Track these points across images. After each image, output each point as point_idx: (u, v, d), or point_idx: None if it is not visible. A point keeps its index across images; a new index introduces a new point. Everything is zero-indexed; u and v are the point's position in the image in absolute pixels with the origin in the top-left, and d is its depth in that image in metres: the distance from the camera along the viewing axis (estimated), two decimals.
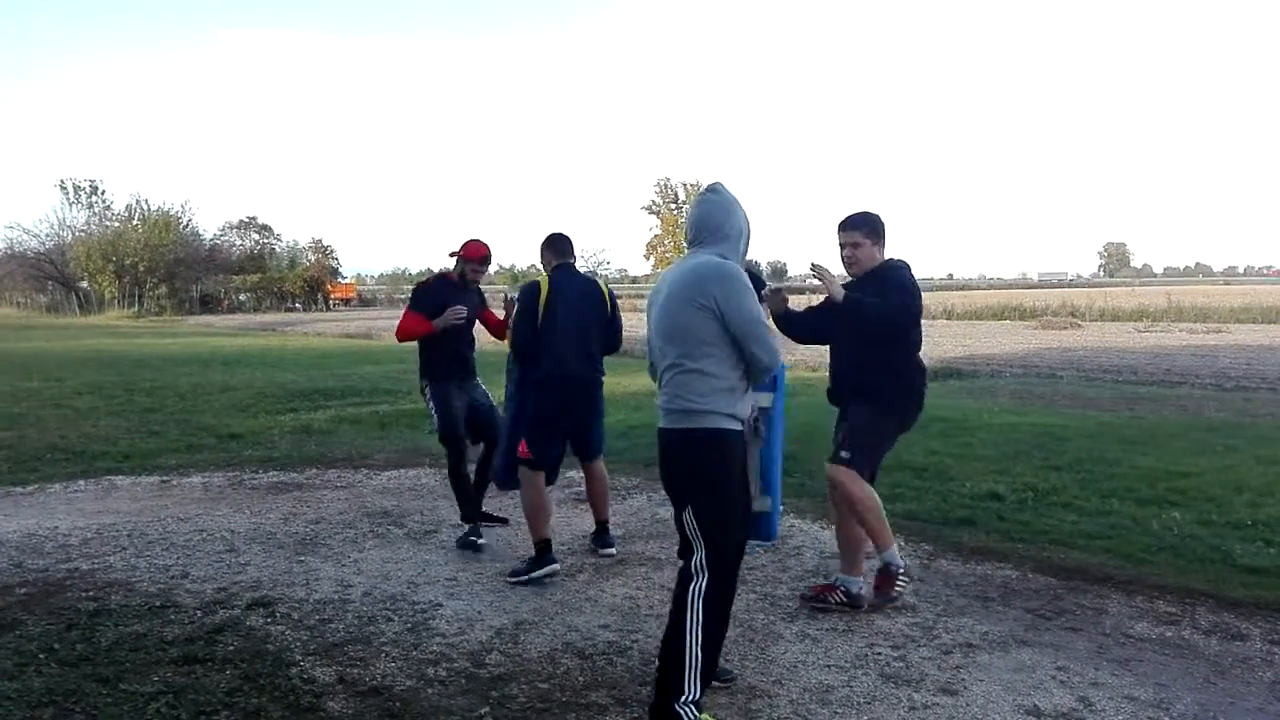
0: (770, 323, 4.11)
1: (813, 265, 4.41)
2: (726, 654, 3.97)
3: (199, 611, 4.50)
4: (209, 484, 7.41)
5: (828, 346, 4.78)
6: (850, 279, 4.58)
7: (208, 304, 56.31)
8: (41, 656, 3.92)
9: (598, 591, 4.82)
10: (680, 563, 3.40)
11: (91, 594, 4.73)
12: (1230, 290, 61.72)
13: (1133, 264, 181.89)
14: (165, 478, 7.65)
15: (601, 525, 5.55)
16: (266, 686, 3.66)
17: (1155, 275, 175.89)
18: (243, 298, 58.21)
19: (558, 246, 5.35)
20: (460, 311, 5.67)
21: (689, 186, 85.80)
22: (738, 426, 3.34)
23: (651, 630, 4.24)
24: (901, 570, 4.52)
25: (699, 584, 3.27)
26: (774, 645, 4.10)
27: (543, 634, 4.24)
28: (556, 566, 5.07)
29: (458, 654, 4.01)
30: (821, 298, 4.63)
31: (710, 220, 3.44)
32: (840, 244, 4.53)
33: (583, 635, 4.22)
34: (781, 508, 3.68)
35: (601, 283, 5.36)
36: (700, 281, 3.29)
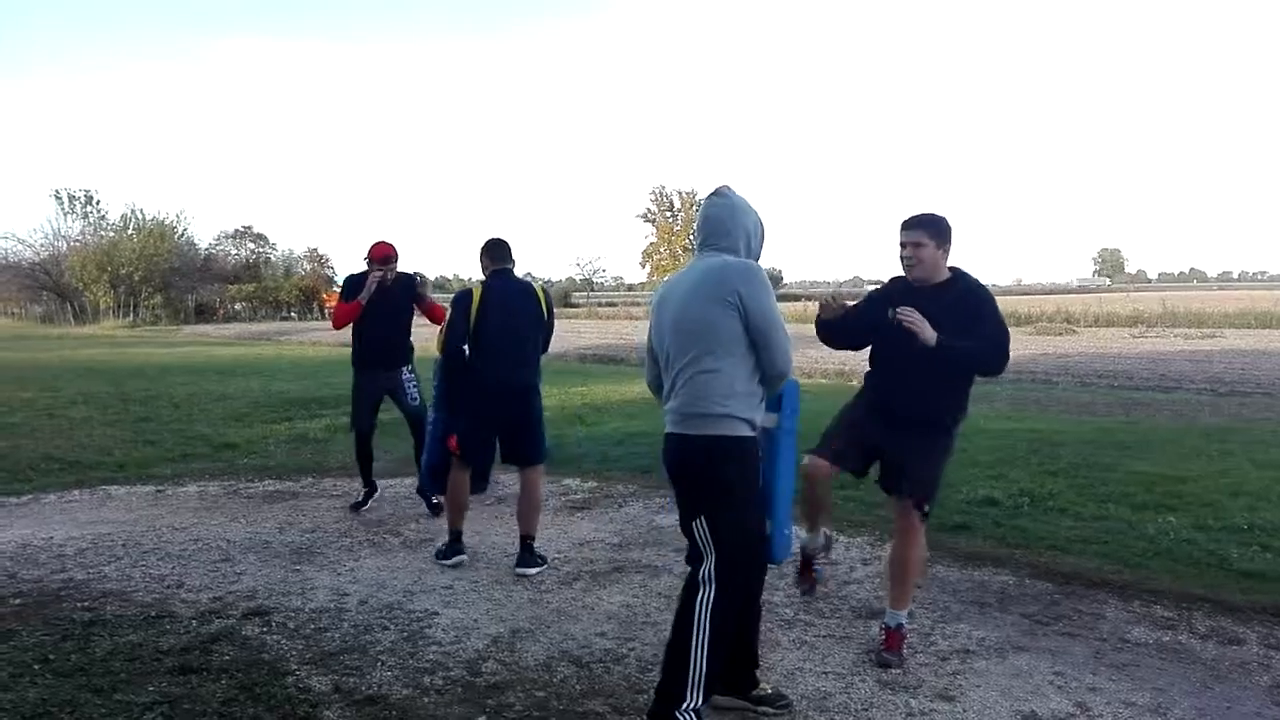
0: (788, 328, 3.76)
1: (892, 313, 3.90)
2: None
3: (194, 621, 4.48)
4: (204, 493, 7.39)
5: (868, 357, 4.32)
6: (913, 284, 4.07)
7: (203, 313, 56.19)
8: (36, 667, 3.90)
9: (594, 599, 4.81)
10: (689, 569, 3.37)
11: (86, 604, 4.71)
12: (1225, 295, 61.86)
13: (1127, 270, 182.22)
14: (160, 487, 7.62)
15: (524, 541, 5.32)
16: (262, 696, 3.64)
17: (1150, 281, 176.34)
18: (238, 307, 58.13)
19: (494, 252, 5.40)
20: (378, 275, 6.29)
21: (684, 195, 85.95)
22: (754, 433, 3.29)
23: (648, 638, 4.24)
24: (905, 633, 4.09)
25: (707, 594, 3.22)
26: (771, 652, 4.09)
27: (539, 642, 4.23)
28: (463, 559, 5.36)
29: (454, 662, 4.00)
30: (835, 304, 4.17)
31: (719, 224, 3.41)
32: (901, 243, 4.06)
33: (579, 643, 4.21)
34: (791, 531, 3.60)
35: (538, 287, 5.40)
36: (725, 278, 3.23)
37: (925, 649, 4.13)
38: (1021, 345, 23.69)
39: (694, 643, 3.19)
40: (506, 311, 5.20)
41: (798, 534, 4.10)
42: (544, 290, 5.41)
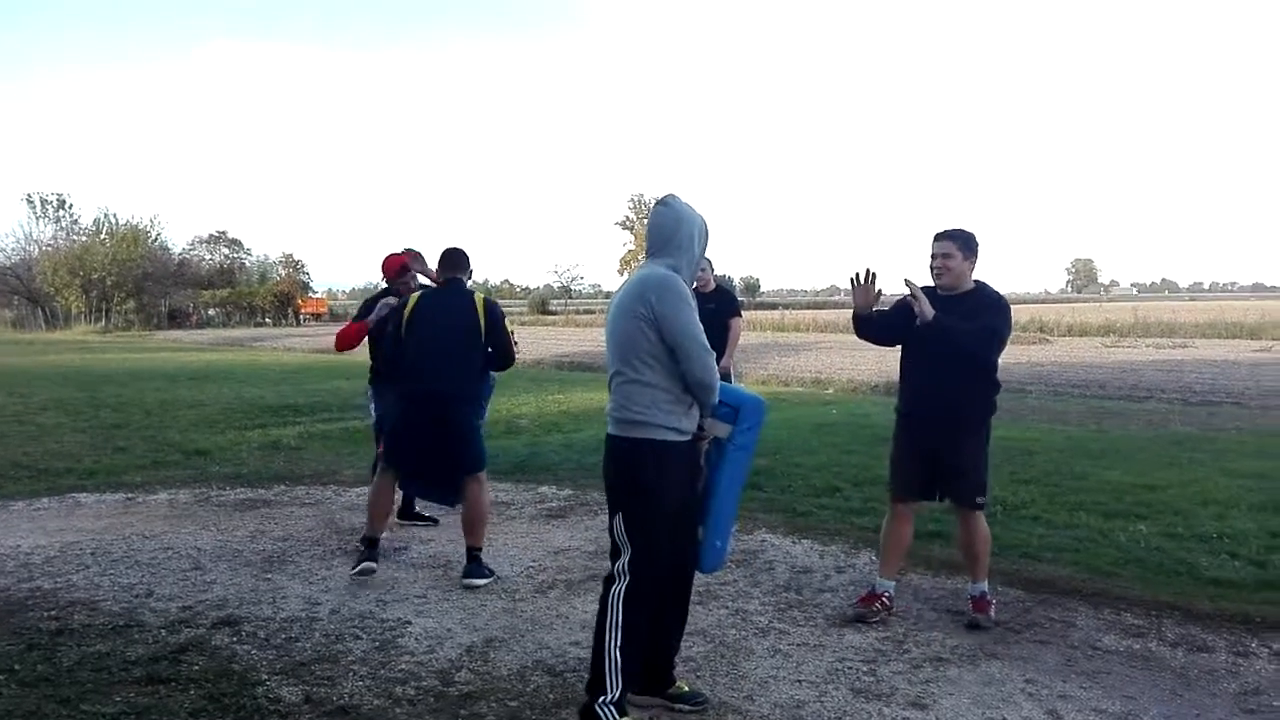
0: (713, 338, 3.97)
1: (907, 282, 4.43)
2: (698, 670, 3.98)
3: (163, 630, 4.43)
4: (175, 501, 7.32)
5: (898, 362, 4.78)
6: (939, 291, 4.52)
7: (176, 319, 55.66)
8: (1, 677, 3.84)
9: (569, 608, 4.79)
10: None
11: (54, 613, 4.65)
12: (1196, 306, 62.64)
13: (1100, 280, 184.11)
14: (130, 495, 7.54)
15: (469, 552, 5.27)
16: (231, 706, 3.60)
17: (1122, 291, 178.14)
18: (212, 312, 57.65)
19: (445, 261, 5.42)
20: (391, 302, 5.95)
21: None
22: (679, 438, 3.38)
23: None
24: (991, 599, 4.62)
25: (620, 586, 3.37)
26: (745, 661, 4.10)
27: (513, 651, 4.21)
28: (371, 566, 5.26)
29: (426, 672, 3.97)
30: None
31: (661, 232, 3.50)
32: (933, 253, 4.51)
33: (554, 652, 4.19)
34: (724, 544, 3.62)
35: (479, 298, 5.27)
36: (641, 292, 3.35)
37: (898, 656, 4.15)
38: None
39: (609, 635, 3.34)
40: (433, 324, 5.17)
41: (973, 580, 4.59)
42: (488, 302, 5.30)
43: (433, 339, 5.15)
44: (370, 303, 6.22)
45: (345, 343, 6.09)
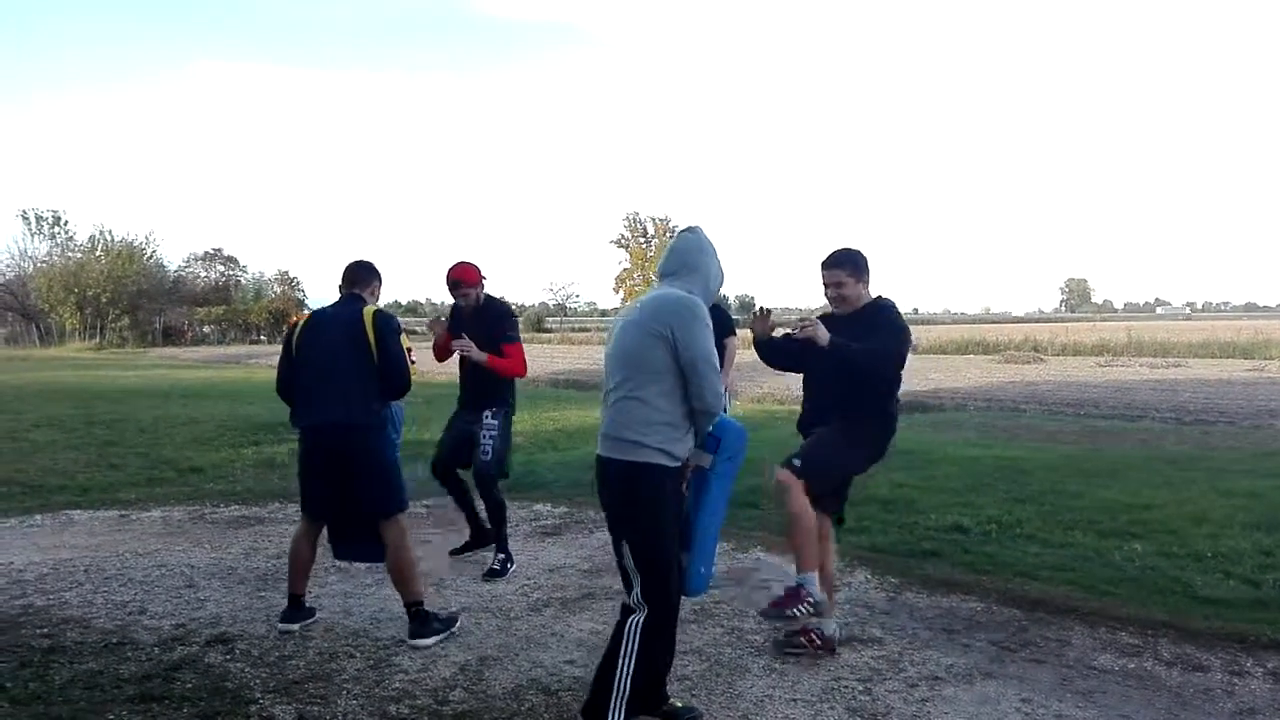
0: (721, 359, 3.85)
1: (798, 323, 4.27)
2: (694, 689, 3.97)
3: (156, 648, 4.41)
4: (169, 518, 7.29)
5: (800, 377, 4.65)
6: (836, 314, 4.46)
7: (171, 336, 55.61)
8: None
9: (564, 627, 4.78)
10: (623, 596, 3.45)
11: (46, 631, 4.63)
12: (1189, 326, 62.85)
13: (1094, 299, 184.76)
14: (124, 512, 7.51)
15: (408, 610, 4.58)
16: None
17: (1116, 310, 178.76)
18: (207, 329, 57.60)
19: (345, 276, 4.86)
20: (440, 323, 6.00)
21: (658, 221, 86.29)
22: (673, 464, 3.34)
23: None
24: (812, 601, 4.21)
25: (639, 617, 3.32)
26: (741, 679, 4.09)
27: (507, 670, 4.19)
28: (289, 628, 4.64)
29: (420, 691, 3.96)
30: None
31: (685, 256, 3.50)
32: (825, 283, 4.42)
33: (548, 671, 4.18)
34: (708, 570, 3.61)
35: (369, 312, 4.63)
36: (660, 310, 3.33)
37: (894, 675, 4.14)
38: (988, 373, 23.95)
39: (621, 663, 3.29)
40: (318, 346, 4.61)
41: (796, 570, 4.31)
42: (379, 316, 4.63)
43: (318, 363, 4.58)
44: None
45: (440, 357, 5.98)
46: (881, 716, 3.72)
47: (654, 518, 3.33)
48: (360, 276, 4.84)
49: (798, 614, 4.21)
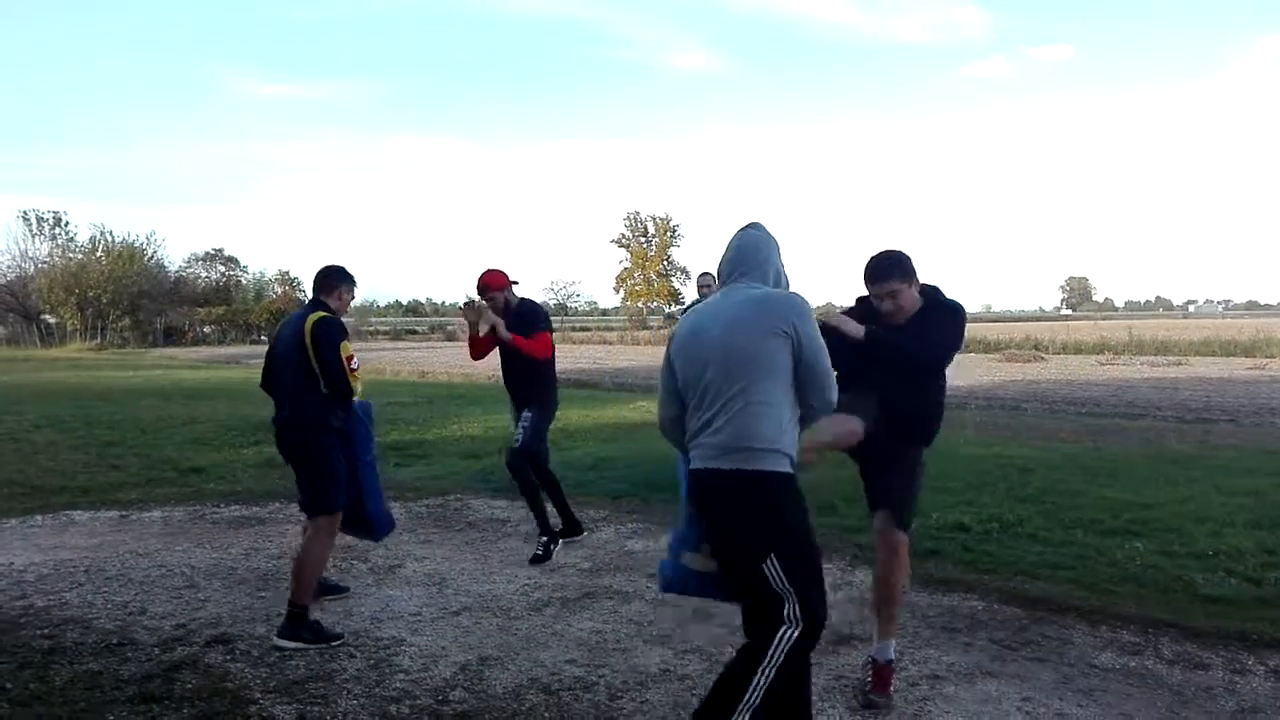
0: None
1: (822, 322, 3.65)
2: (694, 688, 3.96)
3: (157, 649, 4.41)
4: (169, 518, 7.29)
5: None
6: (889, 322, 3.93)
7: (171, 336, 55.65)
8: None
9: (564, 626, 4.77)
10: (744, 618, 3.13)
11: (46, 631, 4.63)
12: (1190, 324, 62.84)
13: (1095, 298, 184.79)
14: (124, 512, 7.51)
15: (288, 607, 4.61)
16: None
17: (1117, 309, 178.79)
18: (207, 330, 57.63)
19: (313, 282, 5.06)
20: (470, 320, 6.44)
21: (658, 220, 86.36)
22: (793, 470, 3.11)
23: (619, 665, 4.21)
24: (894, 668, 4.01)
25: (791, 631, 2.98)
26: None
27: (508, 670, 4.19)
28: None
29: (421, 690, 3.95)
30: None
31: (754, 254, 3.28)
32: (876, 295, 3.88)
33: (549, 670, 4.18)
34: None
35: (309, 323, 4.74)
36: (776, 309, 3.09)
37: (895, 674, 4.13)
38: (990, 372, 23.92)
39: (761, 670, 2.97)
40: (276, 347, 5.00)
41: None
42: (316, 324, 4.74)
43: (275, 363, 4.98)
44: None
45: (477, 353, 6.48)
46: (882, 714, 3.71)
47: (803, 525, 3.11)
48: (324, 283, 4.99)
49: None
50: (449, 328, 67.88)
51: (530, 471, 6.30)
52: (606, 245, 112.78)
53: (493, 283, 6.20)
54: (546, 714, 3.73)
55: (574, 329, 70.09)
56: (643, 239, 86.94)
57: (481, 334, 6.36)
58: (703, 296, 8.55)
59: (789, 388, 3.07)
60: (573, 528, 6.50)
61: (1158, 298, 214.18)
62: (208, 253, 69.56)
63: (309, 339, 4.72)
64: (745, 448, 3.02)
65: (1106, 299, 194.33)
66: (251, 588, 5.42)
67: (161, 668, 4.16)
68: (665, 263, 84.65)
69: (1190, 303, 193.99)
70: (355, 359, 4.82)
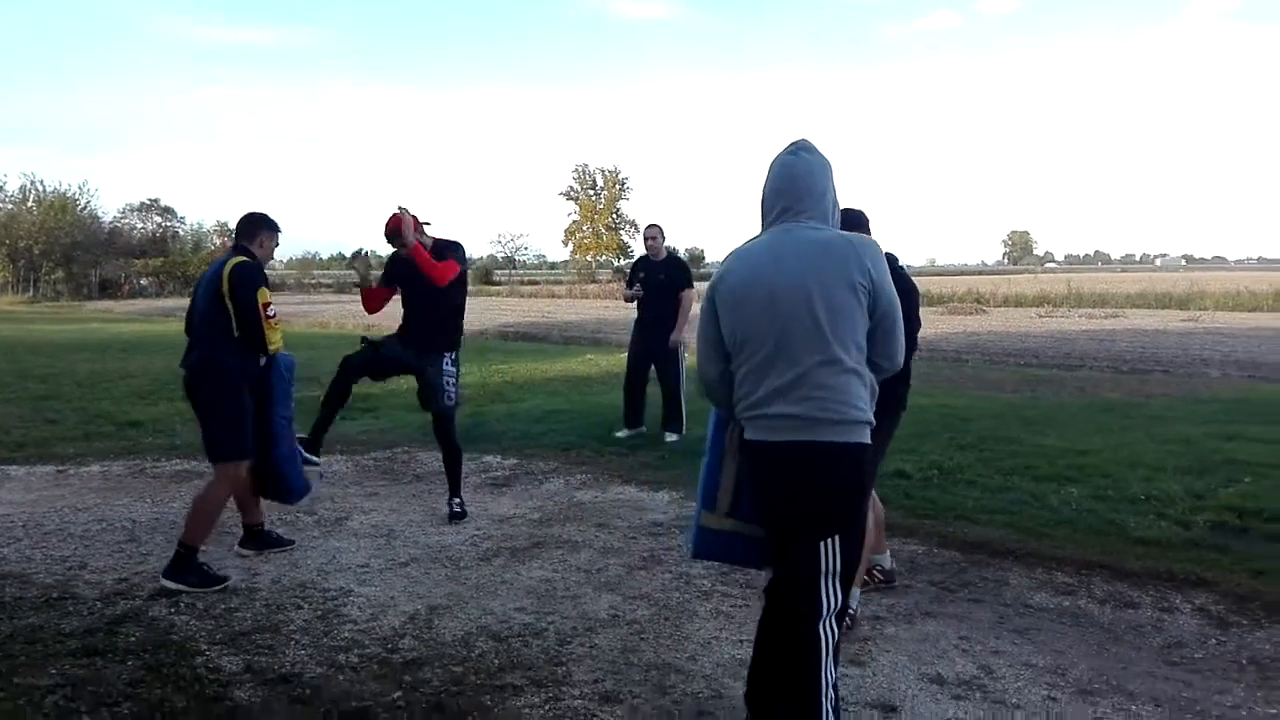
0: None
1: None
2: (642, 633, 4.02)
3: (99, 603, 4.35)
4: (108, 473, 7.16)
5: None
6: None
7: (107, 289, 54.22)
8: None
9: (513, 575, 4.80)
10: (773, 591, 2.89)
11: None
12: (1127, 277, 64.17)
13: (1035, 252, 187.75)
14: (62, 467, 7.35)
15: (178, 545, 4.61)
16: (170, 676, 3.56)
17: (1057, 263, 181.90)
18: (145, 282, 56.22)
19: (235, 228, 4.96)
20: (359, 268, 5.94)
21: (607, 173, 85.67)
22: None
23: (568, 611, 4.25)
24: (882, 570, 4.54)
25: (829, 640, 2.77)
26: (689, 623, 4.15)
27: (457, 618, 4.21)
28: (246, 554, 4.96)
29: (370, 640, 3.95)
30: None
31: (813, 184, 2.82)
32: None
33: (498, 618, 4.20)
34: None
35: (229, 267, 4.65)
36: (855, 256, 2.70)
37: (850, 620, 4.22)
38: (932, 325, 24.26)
39: (824, 676, 2.75)
40: (195, 294, 4.84)
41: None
42: (234, 269, 4.64)
43: (191, 310, 4.86)
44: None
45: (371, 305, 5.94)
46: None
47: (866, 502, 2.89)
48: (245, 228, 4.88)
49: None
50: None
51: (457, 435, 6.01)
52: (555, 198, 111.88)
53: (392, 225, 5.61)
54: (496, 660, 3.75)
55: (522, 282, 69.65)
56: (591, 192, 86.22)
57: (374, 284, 5.85)
58: (650, 251, 8.55)
59: (865, 348, 2.74)
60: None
61: (1096, 252, 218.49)
62: (143, 203, 67.56)
63: (226, 284, 4.62)
64: (831, 419, 2.67)
65: (1047, 253, 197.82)
66: None
67: (104, 621, 4.10)
68: (614, 216, 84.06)
69: (1160, 256, 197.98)
70: (273, 308, 4.70)
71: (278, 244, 5.01)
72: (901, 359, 2.82)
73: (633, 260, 8.91)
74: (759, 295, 2.75)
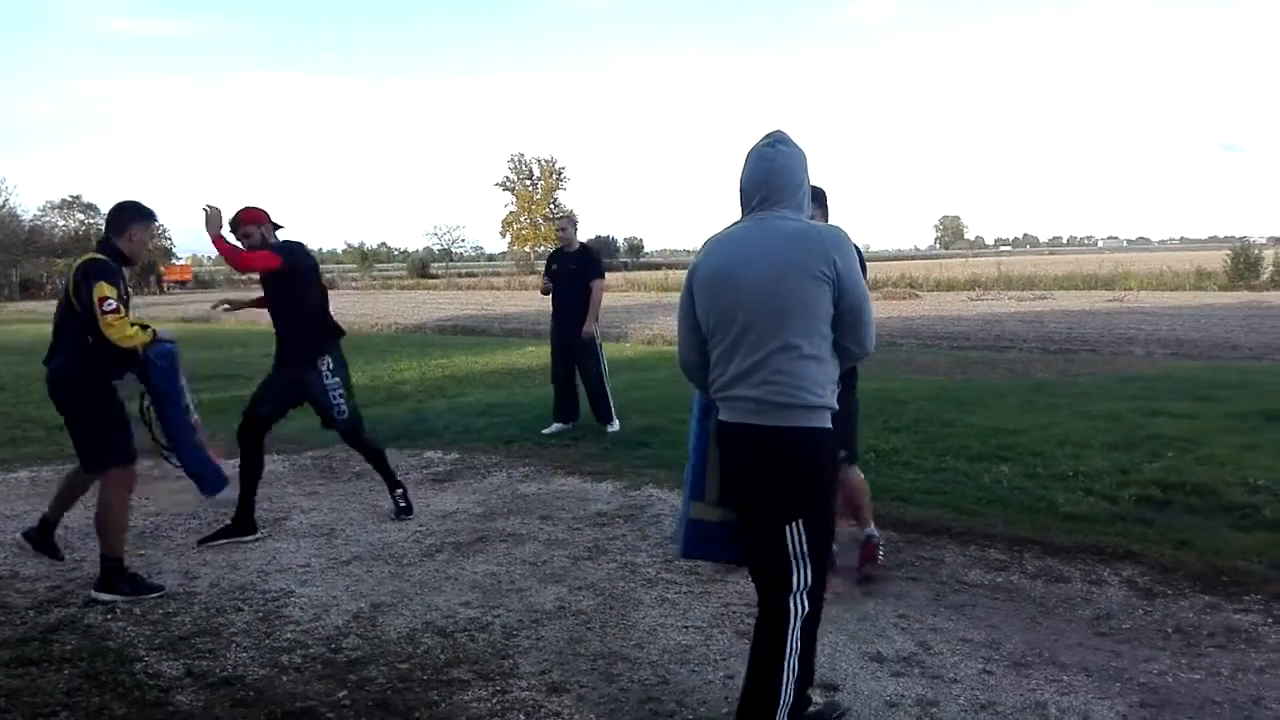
0: None
1: None
2: (588, 622, 4.04)
3: (32, 611, 4.26)
4: (37, 478, 6.98)
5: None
6: None
7: (29, 289, 52.61)
8: None
9: (458, 570, 4.79)
10: (753, 579, 3.01)
11: None
12: (1055, 260, 65.66)
13: (967, 236, 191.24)
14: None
15: (102, 564, 4.50)
16: (109, 684, 3.51)
17: (987, 246, 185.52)
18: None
19: (105, 219, 4.72)
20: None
21: (544, 163, 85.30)
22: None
23: (514, 605, 4.26)
24: (879, 541, 4.70)
25: (799, 610, 2.86)
26: (634, 611, 4.19)
27: (401, 615, 4.19)
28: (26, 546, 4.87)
29: (313, 640, 3.93)
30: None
31: (790, 176, 2.90)
32: None
33: (443, 614, 4.20)
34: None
35: (80, 260, 4.50)
36: (817, 247, 2.78)
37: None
38: None
39: (785, 672, 2.84)
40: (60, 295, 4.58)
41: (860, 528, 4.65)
42: (82, 264, 4.45)
43: (55, 315, 4.60)
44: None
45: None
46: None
47: (833, 488, 2.98)
48: (113, 220, 4.63)
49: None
50: (328, 275, 65.88)
51: (370, 437, 5.86)
52: (491, 189, 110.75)
53: (246, 216, 5.38)
54: (442, 655, 3.76)
55: (460, 274, 69.00)
56: (528, 182, 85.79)
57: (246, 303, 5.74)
58: (562, 242, 8.59)
59: (828, 335, 2.82)
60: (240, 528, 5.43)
61: (1025, 235, 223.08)
62: (64, 200, 65.59)
63: (71, 282, 4.40)
64: (789, 404, 2.77)
65: (978, 237, 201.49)
66: (129, 546, 5.19)
67: (38, 630, 4.02)
68: (552, 206, 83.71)
69: (1111, 238, 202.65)
70: (111, 301, 4.32)
71: (153, 235, 4.75)
72: (871, 345, 2.91)
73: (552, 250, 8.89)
74: (729, 282, 2.85)
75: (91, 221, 65.98)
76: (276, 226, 5.53)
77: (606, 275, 9.19)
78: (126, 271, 4.64)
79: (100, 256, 4.48)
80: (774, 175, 2.90)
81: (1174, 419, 7.88)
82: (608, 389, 8.31)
